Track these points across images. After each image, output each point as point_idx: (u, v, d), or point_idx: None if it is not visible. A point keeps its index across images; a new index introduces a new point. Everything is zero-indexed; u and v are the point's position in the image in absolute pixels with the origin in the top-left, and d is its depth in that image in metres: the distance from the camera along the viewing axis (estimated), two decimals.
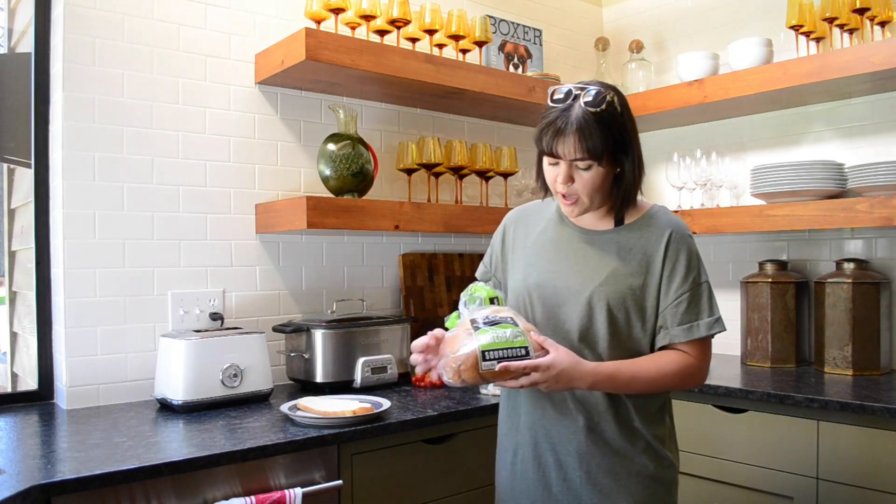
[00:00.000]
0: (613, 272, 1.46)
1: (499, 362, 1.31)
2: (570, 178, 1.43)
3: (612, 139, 1.39)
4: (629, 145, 1.43)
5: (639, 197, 1.55)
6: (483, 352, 1.32)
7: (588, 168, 1.41)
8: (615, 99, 1.41)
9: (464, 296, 1.51)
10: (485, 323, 1.36)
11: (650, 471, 1.47)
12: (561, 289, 1.49)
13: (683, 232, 1.50)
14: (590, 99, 1.38)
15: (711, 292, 1.49)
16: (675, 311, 1.45)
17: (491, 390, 2.10)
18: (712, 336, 1.48)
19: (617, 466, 1.46)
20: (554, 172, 1.45)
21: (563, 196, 1.47)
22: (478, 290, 1.52)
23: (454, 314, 1.52)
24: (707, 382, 2.22)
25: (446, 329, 1.47)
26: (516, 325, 1.36)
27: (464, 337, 1.36)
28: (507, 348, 1.33)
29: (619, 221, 1.52)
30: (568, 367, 1.35)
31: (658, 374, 1.43)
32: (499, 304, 1.49)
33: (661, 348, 1.47)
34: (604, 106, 1.38)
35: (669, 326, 1.45)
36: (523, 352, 1.33)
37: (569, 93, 1.41)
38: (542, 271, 1.54)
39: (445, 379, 1.36)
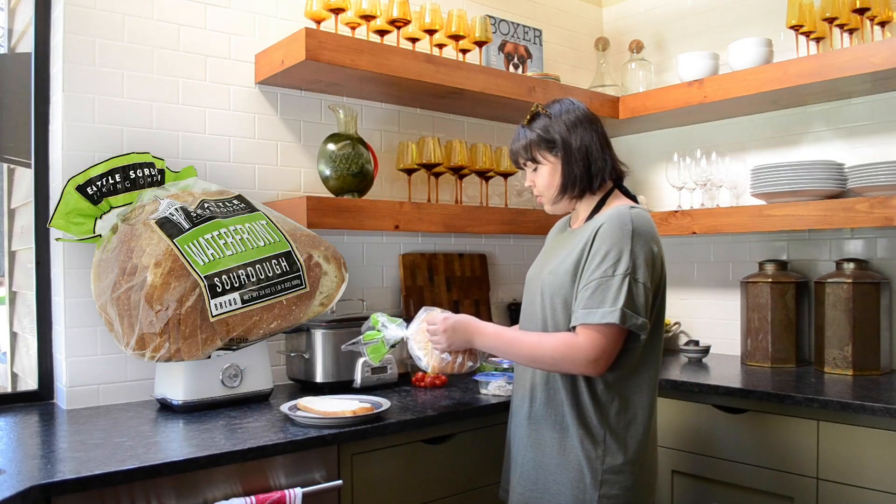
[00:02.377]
0: (558, 264, 1.64)
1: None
2: (532, 182, 1.74)
3: (538, 140, 1.67)
4: (559, 142, 1.65)
5: (623, 197, 1.69)
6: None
7: (535, 169, 1.71)
8: (543, 109, 1.68)
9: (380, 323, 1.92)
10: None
11: (581, 462, 1.56)
12: (533, 279, 1.73)
13: (616, 224, 1.55)
14: (526, 118, 1.71)
15: (624, 284, 1.50)
16: (582, 296, 1.54)
17: (491, 391, 2.10)
18: (615, 328, 1.50)
19: (548, 456, 1.61)
20: None
21: (537, 198, 1.76)
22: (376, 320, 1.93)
23: (372, 333, 1.91)
24: (707, 382, 2.23)
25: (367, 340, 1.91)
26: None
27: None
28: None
29: (589, 220, 1.68)
30: (461, 320, 1.70)
31: (537, 340, 1.58)
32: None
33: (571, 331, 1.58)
34: (528, 117, 1.69)
35: (575, 309, 1.55)
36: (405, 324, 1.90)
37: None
38: (532, 267, 1.79)
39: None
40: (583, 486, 1.55)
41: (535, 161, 1.69)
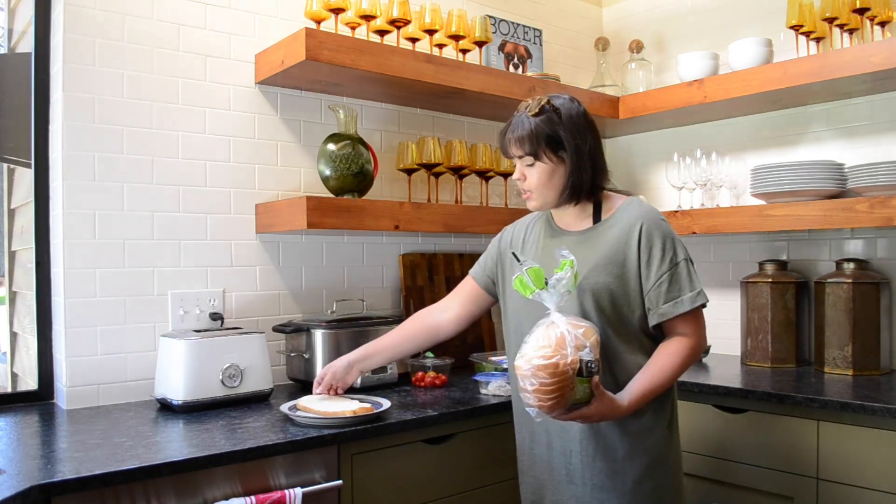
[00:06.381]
0: (595, 265, 1.61)
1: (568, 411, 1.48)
2: (522, 175, 1.66)
3: (545, 138, 1.60)
4: (567, 143, 1.61)
5: (613, 194, 1.71)
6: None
7: (532, 164, 1.63)
8: (551, 105, 1.62)
9: (558, 275, 1.46)
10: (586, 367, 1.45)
11: (650, 452, 1.60)
12: None
13: (654, 219, 1.63)
14: (529, 107, 1.63)
15: (690, 268, 1.61)
16: (658, 292, 1.59)
17: (491, 390, 2.10)
18: (700, 308, 1.60)
19: (614, 449, 1.60)
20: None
21: (523, 191, 1.68)
22: (572, 269, 1.46)
23: (528, 277, 1.48)
24: (707, 382, 2.23)
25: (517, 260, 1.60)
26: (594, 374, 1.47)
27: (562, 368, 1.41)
28: (579, 402, 1.48)
29: (596, 220, 1.68)
30: (607, 413, 1.50)
31: (670, 368, 1.58)
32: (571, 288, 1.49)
33: (655, 327, 1.62)
34: (537, 110, 1.62)
35: (656, 306, 1.60)
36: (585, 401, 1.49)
37: (524, 106, 1.66)
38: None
39: (523, 384, 1.44)
40: (656, 473, 1.61)
41: (535, 157, 1.62)
